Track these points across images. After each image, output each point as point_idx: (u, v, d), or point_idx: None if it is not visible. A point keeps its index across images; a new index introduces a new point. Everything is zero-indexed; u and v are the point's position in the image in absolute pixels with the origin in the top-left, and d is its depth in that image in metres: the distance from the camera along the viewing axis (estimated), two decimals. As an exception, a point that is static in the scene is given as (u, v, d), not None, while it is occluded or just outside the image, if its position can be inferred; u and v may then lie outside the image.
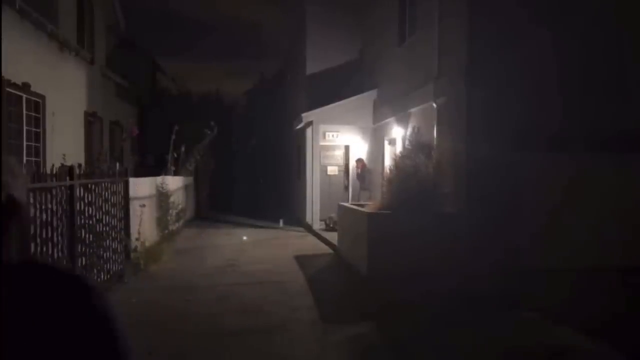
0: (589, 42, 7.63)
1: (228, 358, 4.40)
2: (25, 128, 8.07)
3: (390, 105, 11.12)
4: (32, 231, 4.34)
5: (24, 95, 8.02)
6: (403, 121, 10.16)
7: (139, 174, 11.09)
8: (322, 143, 13.39)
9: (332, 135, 13.60)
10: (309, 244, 10.95)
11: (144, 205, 8.60)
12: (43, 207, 4.61)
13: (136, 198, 8.23)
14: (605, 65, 7.66)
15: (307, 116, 13.02)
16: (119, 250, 7.08)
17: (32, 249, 4.34)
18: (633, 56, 7.78)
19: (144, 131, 15.18)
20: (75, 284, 0.78)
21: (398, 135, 10.39)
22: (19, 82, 7.70)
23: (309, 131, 13.17)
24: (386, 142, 11.79)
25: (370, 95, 12.89)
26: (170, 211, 10.83)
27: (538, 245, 7.31)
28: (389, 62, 11.74)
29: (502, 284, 6.60)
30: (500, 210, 7.29)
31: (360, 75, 14.25)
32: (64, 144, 9.07)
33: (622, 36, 7.71)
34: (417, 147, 8.01)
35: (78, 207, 5.45)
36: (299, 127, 13.98)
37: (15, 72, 7.46)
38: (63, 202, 5.08)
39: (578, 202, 7.53)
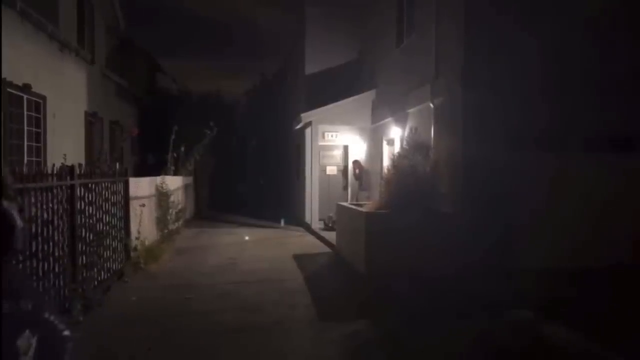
0: (579, 46, 7.70)
1: (227, 355, 4.46)
2: (26, 128, 8.14)
3: (389, 105, 11.19)
4: (33, 230, 4.41)
5: (25, 96, 8.08)
6: (401, 121, 10.23)
7: (139, 173, 11.18)
8: (321, 143, 13.46)
9: (331, 136, 13.67)
10: (308, 243, 11.01)
11: (143, 205, 8.67)
12: (44, 206, 4.67)
13: (136, 197, 8.30)
14: (595, 67, 7.72)
15: (306, 116, 13.09)
16: (119, 250, 7.15)
17: (34, 248, 4.41)
18: (622, 59, 7.85)
19: (143, 131, 15.24)
20: None
21: (396, 135, 10.46)
22: (20, 83, 7.77)
23: (308, 131, 13.24)
24: (385, 142, 11.85)
25: (368, 96, 12.96)
26: (170, 211, 10.89)
27: (534, 244, 7.37)
28: (387, 63, 11.81)
29: (498, 282, 6.67)
30: (496, 210, 7.35)
31: (359, 76, 14.32)
32: (65, 144, 9.15)
33: (610, 40, 7.78)
34: (414, 147, 8.07)
35: (79, 207, 5.52)
36: (298, 127, 14.05)
37: (16, 73, 7.52)
38: (64, 202, 5.15)
39: (572, 202, 7.60)
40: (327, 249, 10.11)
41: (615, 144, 7.84)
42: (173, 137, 13.40)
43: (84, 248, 5.65)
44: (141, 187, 8.96)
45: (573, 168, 7.67)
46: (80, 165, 5.70)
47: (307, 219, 13.14)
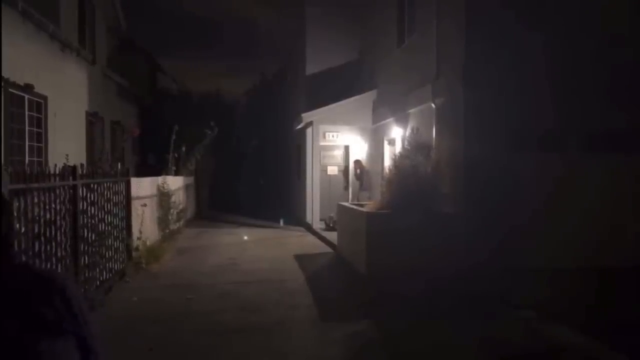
0: (581, 45, 7.69)
1: (228, 355, 4.47)
2: (27, 128, 8.14)
3: (390, 105, 11.19)
4: (36, 230, 4.41)
5: (26, 96, 8.09)
6: (402, 121, 10.23)
7: (140, 173, 11.18)
8: (322, 143, 13.46)
9: (332, 136, 13.67)
10: (308, 243, 11.02)
11: (145, 205, 8.68)
12: (47, 206, 4.68)
13: (138, 198, 8.31)
14: (597, 67, 7.70)
15: (307, 116, 13.09)
16: (120, 250, 7.15)
17: (37, 248, 4.41)
18: (629, 56, 7.84)
19: (144, 131, 15.25)
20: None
21: (397, 135, 10.45)
22: (22, 83, 7.77)
23: (309, 131, 13.24)
24: (386, 142, 11.85)
25: (369, 96, 12.96)
26: (172, 211, 10.90)
27: (534, 244, 7.37)
28: (388, 63, 11.81)
29: (499, 282, 6.67)
30: (496, 210, 7.35)
31: (359, 76, 14.32)
32: (66, 144, 9.14)
33: (612, 38, 7.74)
34: (416, 147, 8.06)
35: (81, 207, 5.53)
36: (299, 127, 14.05)
37: (17, 73, 7.53)
38: (66, 202, 5.15)
39: (573, 202, 7.60)
40: (328, 249, 10.11)
41: (622, 143, 7.83)
42: (174, 137, 13.41)
43: (86, 248, 5.66)
44: (143, 187, 8.97)
45: (578, 168, 7.66)
46: (82, 165, 5.71)
47: (308, 219, 13.14)
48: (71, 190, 5.28)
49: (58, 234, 4.90)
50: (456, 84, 7.79)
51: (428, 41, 8.91)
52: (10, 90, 7.48)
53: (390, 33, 11.47)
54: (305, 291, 6.67)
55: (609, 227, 7.66)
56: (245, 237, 11.77)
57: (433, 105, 8.56)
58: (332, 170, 14.02)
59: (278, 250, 9.96)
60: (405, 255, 7.18)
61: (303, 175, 13.77)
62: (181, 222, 12.42)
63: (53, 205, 4.82)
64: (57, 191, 4.93)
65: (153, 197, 9.83)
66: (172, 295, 6.41)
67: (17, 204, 4.04)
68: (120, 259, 7.14)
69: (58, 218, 4.92)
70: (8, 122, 7.48)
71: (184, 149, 14.14)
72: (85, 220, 5.70)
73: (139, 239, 8.06)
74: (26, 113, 8.11)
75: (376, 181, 11.73)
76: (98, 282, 6.04)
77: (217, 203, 19.49)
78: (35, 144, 8.41)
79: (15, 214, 3.98)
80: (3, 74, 6.96)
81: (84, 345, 1.09)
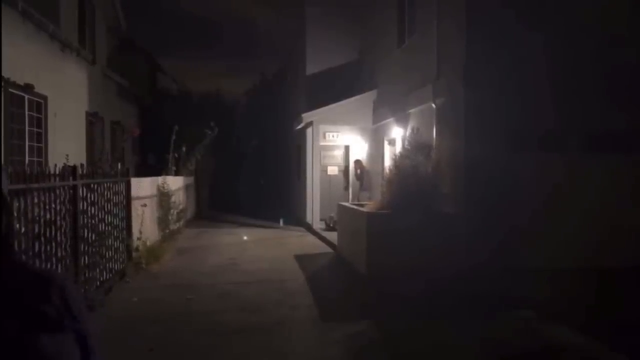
0: (581, 45, 7.68)
1: (228, 355, 4.47)
2: (27, 128, 8.14)
3: (390, 105, 11.18)
4: (36, 230, 4.41)
5: (26, 96, 8.08)
6: (403, 121, 10.22)
7: (140, 173, 11.18)
8: (322, 143, 13.46)
9: (332, 136, 13.66)
10: (309, 244, 11.01)
11: (145, 205, 8.67)
12: (47, 206, 4.68)
13: (138, 198, 8.30)
14: (597, 67, 7.69)
15: (307, 116, 13.08)
16: (120, 250, 7.15)
17: (37, 248, 4.41)
18: (630, 56, 7.83)
19: (144, 131, 15.25)
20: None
21: (398, 135, 10.45)
22: (22, 83, 7.77)
23: (309, 131, 13.24)
24: (386, 143, 11.85)
25: (370, 96, 12.96)
26: (172, 211, 10.90)
27: (534, 244, 7.37)
28: (388, 63, 11.81)
29: (499, 282, 6.66)
30: (497, 210, 7.35)
31: (359, 76, 14.32)
32: (66, 144, 9.14)
33: (612, 38, 7.73)
34: (416, 147, 8.06)
35: (81, 207, 5.52)
36: (299, 127, 14.04)
37: (17, 73, 7.52)
38: (66, 202, 5.15)
39: (573, 202, 7.59)
40: (328, 249, 10.10)
41: (622, 143, 7.82)
42: (174, 137, 13.40)
43: (86, 248, 5.65)
44: (143, 187, 8.96)
45: (578, 168, 7.65)
46: (82, 165, 5.71)
47: (308, 219, 13.14)
48: (71, 191, 5.28)
49: (58, 234, 4.89)
50: (457, 84, 7.78)
51: (428, 41, 8.91)
52: (10, 90, 7.48)
53: (390, 33, 11.47)
54: (306, 291, 6.66)
55: (609, 227, 7.65)
56: (245, 237, 11.77)
57: (433, 105, 8.56)
58: (332, 170, 14.02)
59: (278, 251, 9.96)
60: (405, 255, 7.18)
61: (303, 175, 13.77)
62: (181, 222, 12.41)
63: (53, 206, 4.81)
64: (57, 191, 4.93)
65: (153, 197, 9.83)
66: (172, 295, 6.41)
67: (17, 204, 4.03)
68: (121, 259, 7.14)
69: (58, 218, 4.91)
70: (8, 122, 7.47)
71: (184, 149, 14.14)
72: (86, 220, 5.70)
73: (139, 239, 8.05)
74: (26, 113, 8.11)
75: (376, 181, 11.72)
76: (98, 283, 6.04)
77: (217, 203, 19.49)
78: (35, 144, 8.41)
79: (15, 214, 3.98)
80: (3, 74, 6.96)
81: (84, 345, 1.09)
